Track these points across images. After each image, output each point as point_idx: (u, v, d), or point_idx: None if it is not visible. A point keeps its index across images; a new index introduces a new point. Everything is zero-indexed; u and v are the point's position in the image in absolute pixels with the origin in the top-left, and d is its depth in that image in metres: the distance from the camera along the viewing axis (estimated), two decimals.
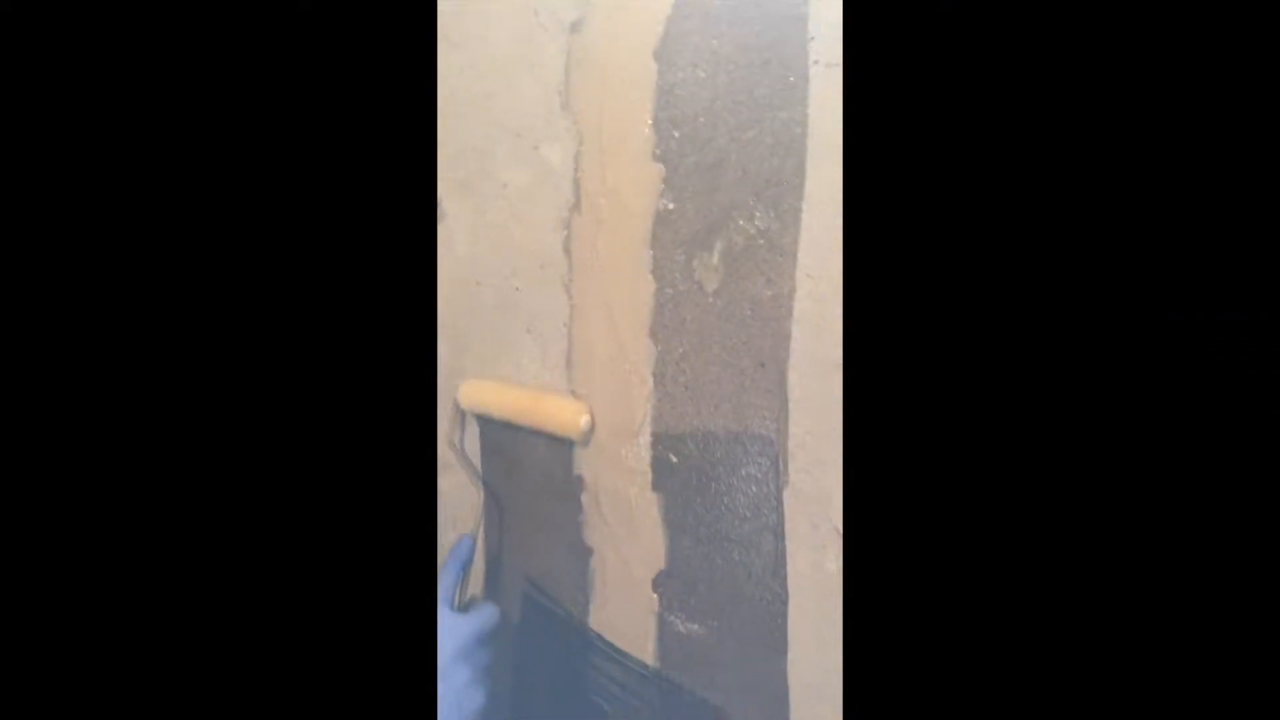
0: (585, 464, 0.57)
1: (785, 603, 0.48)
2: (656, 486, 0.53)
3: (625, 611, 0.56)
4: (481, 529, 0.59)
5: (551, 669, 0.61)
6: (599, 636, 0.58)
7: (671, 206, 0.48)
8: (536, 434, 0.58)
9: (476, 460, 0.63)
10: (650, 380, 0.51)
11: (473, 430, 0.63)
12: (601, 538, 0.57)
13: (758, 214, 0.45)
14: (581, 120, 0.52)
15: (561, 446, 0.57)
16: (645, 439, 0.53)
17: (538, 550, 0.61)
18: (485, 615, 0.53)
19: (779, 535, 0.47)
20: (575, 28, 0.51)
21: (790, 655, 0.48)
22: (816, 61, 0.41)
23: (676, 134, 0.47)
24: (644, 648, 0.55)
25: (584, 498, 0.57)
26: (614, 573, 0.57)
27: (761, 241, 0.45)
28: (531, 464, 0.60)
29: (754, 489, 0.48)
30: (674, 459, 0.52)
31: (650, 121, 0.48)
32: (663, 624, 0.54)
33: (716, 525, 0.50)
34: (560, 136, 0.53)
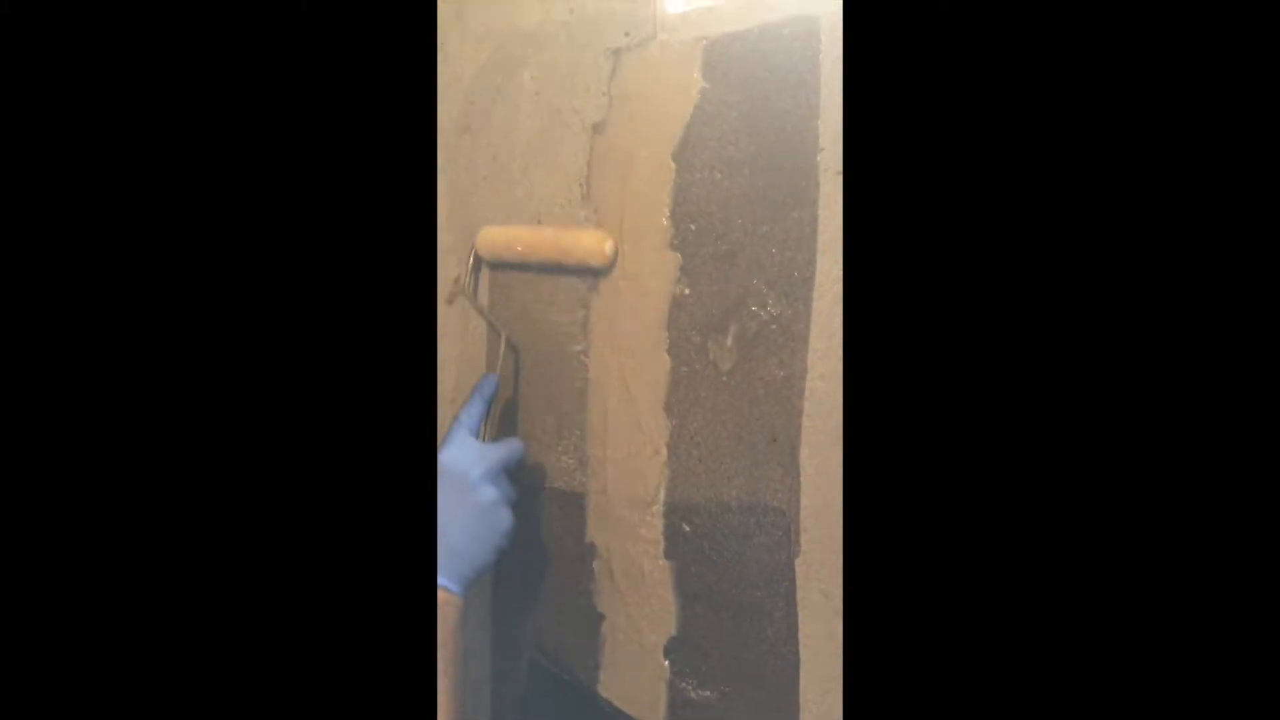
0: (598, 531, 0.59)
1: (797, 669, 0.50)
2: (669, 554, 0.55)
3: (636, 678, 0.58)
4: (499, 371, 0.59)
5: None
6: (608, 703, 0.59)
7: (688, 292, 0.52)
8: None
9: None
10: (665, 452, 0.54)
11: None
12: (613, 604, 0.58)
13: (770, 301, 0.49)
14: (602, 211, 0.56)
15: (573, 512, 0.60)
16: (658, 508, 0.55)
17: (548, 616, 0.62)
18: (512, 446, 0.55)
19: (791, 603, 0.50)
20: (598, 129, 0.55)
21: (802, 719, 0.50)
22: (826, 169, 0.46)
23: (693, 226, 0.52)
24: (655, 714, 0.57)
25: (596, 564, 0.59)
26: (625, 639, 0.58)
27: (774, 326, 0.49)
28: (543, 531, 0.62)
29: (766, 558, 0.50)
30: (687, 528, 0.54)
31: (668, 214, 0.53)
32: (674, 690, 0.56)
33: (729, 593, 0.52)
34: (580, 224, 0.57)
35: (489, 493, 0.52)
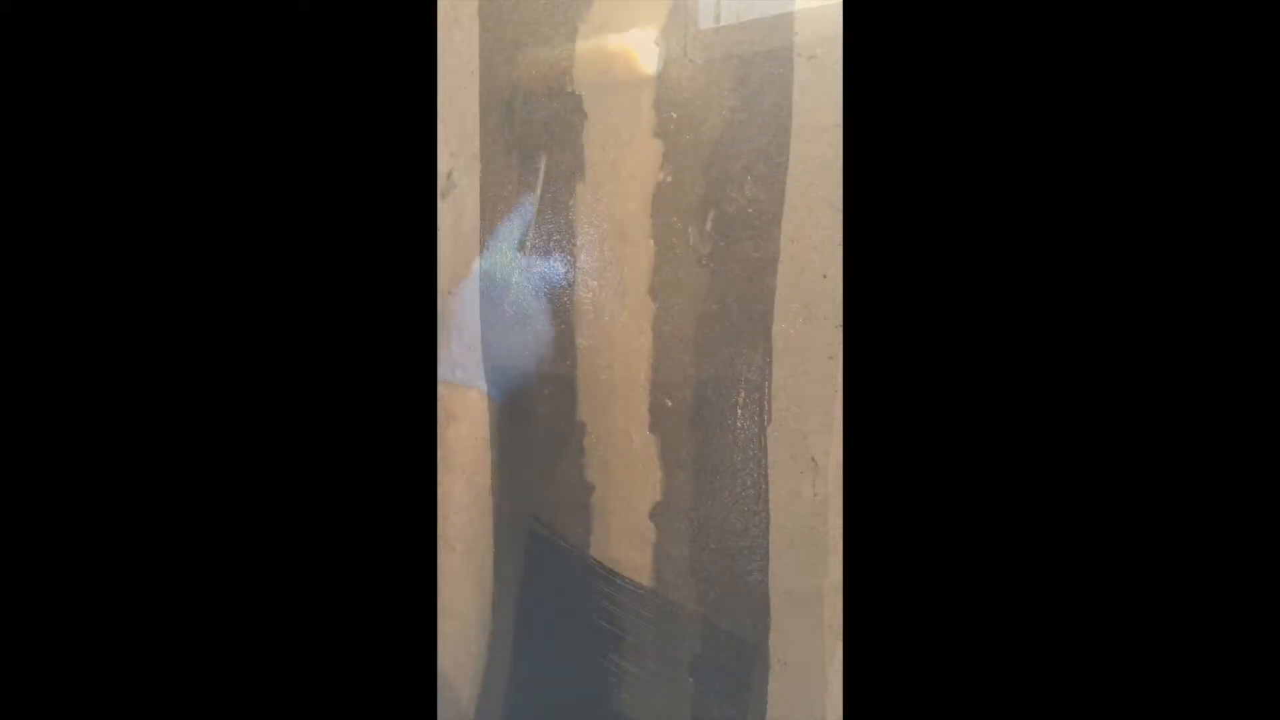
0: (587, 410, 0.63)
1: (768, 523, 0.55)
2: (653, 428, 0.60)
3: (624, 541, 0.63)
4: (538, 195, 0.60)
5: (555, 595, 0.69)
6: (599, 563, 0.65)
7: (669, 179, 0.55)
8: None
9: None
10: (650, 332, 0.58)
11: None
12: (602, 476, 0.64)
13: (747, 185, 0.52)
14: (586, 99, 0.58)
15: (564, 394, 0.64)
16: (644, 386, 0.59)
17: (543, 489, 0.68)
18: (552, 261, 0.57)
19: (762, 466, 0.55)
20: (584, 7, 0.56)
21: (771, 567, 0.56)
22: (799, 54, 0.47)
23: (674, 115, 0.54)
24: (642, 574, 0.63)
25: (586, 441, 0.64)
26: (614, 507, 0.64)
27: (750, 210, 0.52)
28: (537, 413, 0.66)
29: (741, 427, 0.55)
30: (669, 403, 0.59)
31: (651, 102, 0.54)
32: (658, 550, 0.61)
33: (708, 460, 0.57)
34: (566, 115, 0.59)
35: (529, 301, 0.53)
